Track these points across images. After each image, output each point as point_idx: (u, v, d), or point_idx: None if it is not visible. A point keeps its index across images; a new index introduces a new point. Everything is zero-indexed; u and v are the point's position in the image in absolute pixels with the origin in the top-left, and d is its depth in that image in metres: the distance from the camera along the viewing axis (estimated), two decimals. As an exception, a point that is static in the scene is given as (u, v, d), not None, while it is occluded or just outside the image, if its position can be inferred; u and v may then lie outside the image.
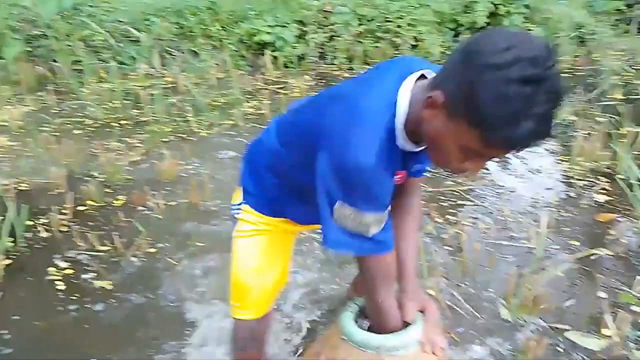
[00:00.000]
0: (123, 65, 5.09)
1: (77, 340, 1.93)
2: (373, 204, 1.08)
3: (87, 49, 5.03)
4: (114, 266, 2.32)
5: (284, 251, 1.48)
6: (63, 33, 4.82)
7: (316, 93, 1.29)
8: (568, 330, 1.92)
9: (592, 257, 2.33)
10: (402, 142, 1.07)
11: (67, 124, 3.96)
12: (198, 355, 1.85)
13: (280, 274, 1.48)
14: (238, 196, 1.43)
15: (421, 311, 1.28)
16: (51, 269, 2.28)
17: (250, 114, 4.20)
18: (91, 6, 5.34)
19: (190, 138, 3.72)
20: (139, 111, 4.21)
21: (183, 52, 5.22)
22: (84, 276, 2.25)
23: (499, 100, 0.87)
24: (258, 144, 1.40)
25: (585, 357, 1.81)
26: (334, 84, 4.80)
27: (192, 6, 5.47)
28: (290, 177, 1.29)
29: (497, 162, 3.24)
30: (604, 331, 1.89)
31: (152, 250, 2.44)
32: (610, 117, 3.81)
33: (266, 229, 1.41)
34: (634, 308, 2.01)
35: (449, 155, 1.00)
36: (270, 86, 4.87)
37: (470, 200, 2.83)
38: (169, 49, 5.25)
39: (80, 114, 4.11)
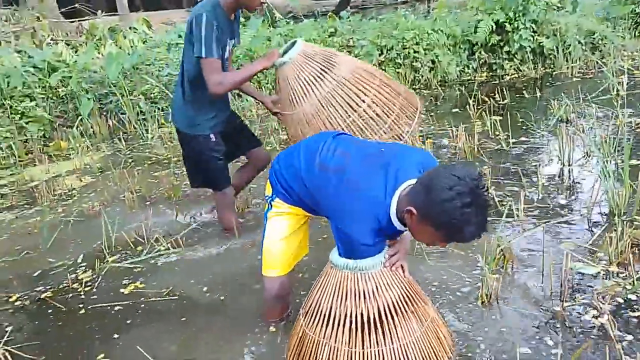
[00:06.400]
0: (178, 111, 5.90)
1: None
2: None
3: (148, 100, 5.89)
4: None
5: (301, 228, 2.11)
6: (127, 90, 5.69)
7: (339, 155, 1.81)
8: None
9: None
10: (395, 223, 1.69)
11: (134, 161, 4.75)
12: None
13: (299, 244, 2.13)
14: (269, 190, 2.06)
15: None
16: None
17: (284, 142, 4.84)
18: (148, 65, 6.24)
19: (236, 163, 4.38)
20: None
21: (227, 95, 5.97)
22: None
23: (451, 220, 1.49)
24: (288, 163, 1.97)
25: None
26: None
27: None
28: (305, 195, 1.92)
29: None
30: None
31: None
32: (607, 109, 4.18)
33: (289, 212, 2.04)
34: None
35: (424, 239, 1.66)
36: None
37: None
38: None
39: (146, 155, 4.89)
